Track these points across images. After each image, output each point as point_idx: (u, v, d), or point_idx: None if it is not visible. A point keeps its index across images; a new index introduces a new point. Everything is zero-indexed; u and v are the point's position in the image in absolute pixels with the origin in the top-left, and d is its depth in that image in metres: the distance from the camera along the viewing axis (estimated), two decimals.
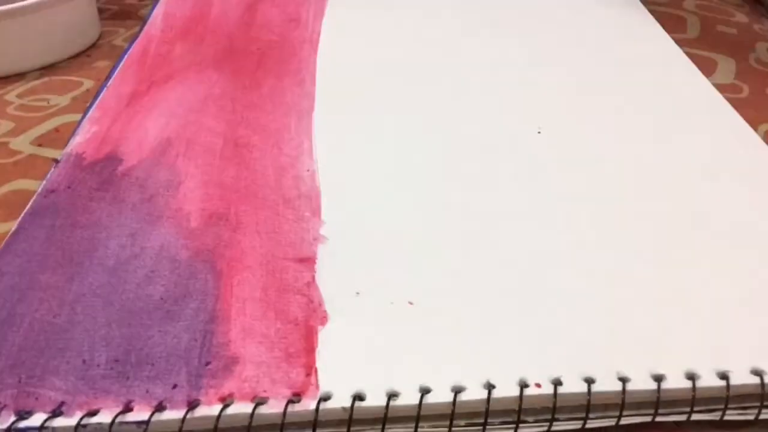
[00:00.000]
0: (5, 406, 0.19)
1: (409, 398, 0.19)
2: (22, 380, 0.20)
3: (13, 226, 0.26)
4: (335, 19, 0.42)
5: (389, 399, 0.19)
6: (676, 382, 0.19)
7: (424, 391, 0.19)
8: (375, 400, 0.19)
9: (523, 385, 0.19)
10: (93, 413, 0.19)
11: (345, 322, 0.22)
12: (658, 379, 0.19)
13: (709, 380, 0.19)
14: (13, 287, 0.23)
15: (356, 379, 0.20)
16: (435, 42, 0.39)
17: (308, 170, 0.28)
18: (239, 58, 0.37)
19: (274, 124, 0.31)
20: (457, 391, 0.19)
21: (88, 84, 0.38)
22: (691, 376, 0.19)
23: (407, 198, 0.27)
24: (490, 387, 0.19)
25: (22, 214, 0.26)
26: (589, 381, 0.19)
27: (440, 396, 0.19)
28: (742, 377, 0.19)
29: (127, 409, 0.19)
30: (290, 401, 0.19)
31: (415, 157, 0.29)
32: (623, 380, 0.19)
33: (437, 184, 0.28)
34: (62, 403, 0.19)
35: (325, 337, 0.21)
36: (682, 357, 0.20)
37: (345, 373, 0.20)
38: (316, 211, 0.26)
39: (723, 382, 0.19)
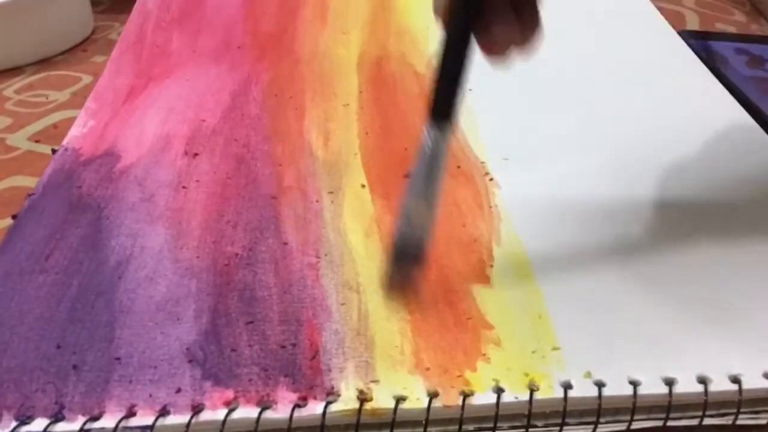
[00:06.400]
0: (6, 410, 0.19)
1: (417, 402, 0.19)
2: (23, 383, 0.19)
3: (9, 223, 0.25)
4: (337, 12, 0.41)
5: (397, 402, 0.19)
6: (687, 386, 0.19)
7: (432, 395, 0.19)
8: (383, 403, 0.19)
9: (533, 389, 0.19)
10: (96, 418, 0.18)
11: (351, 324, 0.21)
12: (670, 383, 0.19)
13: (721, 384, 0.19)
14: (11, 287, 0.22)
15: (364, 382, 0.19)
16: None
17: (309, 168, 0.28)
18: (238, 51, 0.37)
19: (274, 122, 0.31)
20: (466, 395, 0.19)
21: (86, 79, 0.38)
22: (703, 380, 0.19)
23: None
24: (499, 391, 0.19)
25: (20, 212, 0.26)
26: (600, 385, 0.19)
27: (449, 400, 0.19)
28: (754, 381, 0.19)
29: (131, 413, 0.19)
30: (296, 405, 0.19)
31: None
32: (634, 384, 0.19)
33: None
34: (63, 407, 0.19)
35: (330, 338, 0.21)
36: (694, 361, 0.20)
37: (352, 377, 0.20)
38: (318, 211, 0.26)
39: (735, 386, 0.19)
